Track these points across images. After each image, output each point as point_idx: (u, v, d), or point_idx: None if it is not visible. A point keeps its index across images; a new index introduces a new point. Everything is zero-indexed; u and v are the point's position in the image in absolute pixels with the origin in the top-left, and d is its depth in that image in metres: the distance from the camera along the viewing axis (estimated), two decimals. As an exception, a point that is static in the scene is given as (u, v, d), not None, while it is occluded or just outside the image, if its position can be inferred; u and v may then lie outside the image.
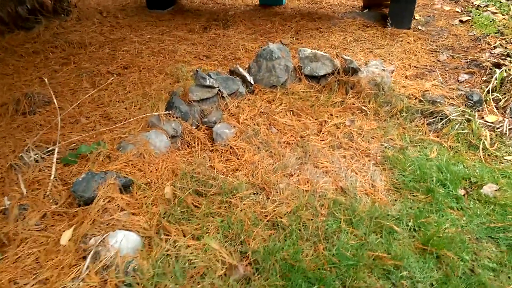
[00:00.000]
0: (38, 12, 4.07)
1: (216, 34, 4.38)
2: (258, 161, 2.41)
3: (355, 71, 3.01)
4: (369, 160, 2.46)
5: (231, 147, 2.51)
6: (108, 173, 2.14)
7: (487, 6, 4.28)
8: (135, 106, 3.02)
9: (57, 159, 2.39)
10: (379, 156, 2.48)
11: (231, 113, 2.82)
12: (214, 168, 2.34)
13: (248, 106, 2.89)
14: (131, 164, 2.25)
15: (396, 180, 2.29)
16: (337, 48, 3.87)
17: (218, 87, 2.82)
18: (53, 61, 3.76)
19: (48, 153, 2.45)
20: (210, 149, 2.55)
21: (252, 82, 3.03)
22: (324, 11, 4.83)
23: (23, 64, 3.70)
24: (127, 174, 2.18)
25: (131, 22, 4.74)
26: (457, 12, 4.38)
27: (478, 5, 4.31)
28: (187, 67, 3.61)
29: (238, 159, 2.44)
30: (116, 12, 5.01)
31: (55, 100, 2.73)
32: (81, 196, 2.03)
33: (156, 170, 2.23)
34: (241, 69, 3.03)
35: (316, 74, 3.12)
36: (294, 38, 4.19)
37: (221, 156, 2.47)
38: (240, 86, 2.95)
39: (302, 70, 3.16)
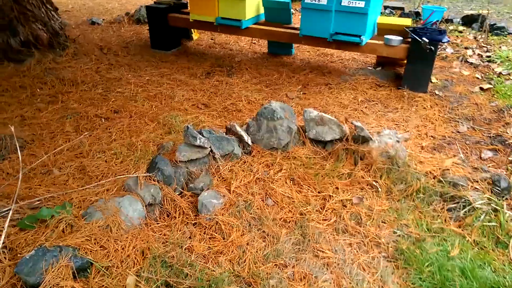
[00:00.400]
0: (32, 45, 3.85)
1: (219, 81, 4.12)
2: (248, 243, 2.03)
3: (365, 140, 2.69)
4: (379, 252, 2.07)
5: (217, 222, 2.14)
6: (63, 250, 1.76)
7: (509, 74, 4.02)
8: (117, 159, 2.68)
9: (13, 220, 2.03)
10: (391, 247, 2.10)
11: (223, 178, 2.47)
12: (193, 251, 1.96)
13: (243, 171, 2.54)
14: (94, 239, 1.87)
15: (412, 284, 1.89)
16: (347, 108, 3.57)
17: (210, 147, 2.49)
18: (39, 98, 3.48)
19: (2, 213, 2.09)
20: (193, 222, 2.17)
21: (249, 143, 2.71)
22: (335, 66, 4.60)
23: (7, 99, 3.42)
24: (86, 252, 1.80)
25: (131, 61, 4.51)
26: (477, 78, 4.12)
27: (500, 73, 4.05)
28: (183, 117, 3.31)
29: (224, 238, 2.07)
30: (117, 49, 4.81)
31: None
32: (25, 280, 1.65)
33: (122, 249, 1.85)
34: (238, 128, 2.71)
35: (322, 139, 2.80)
36: (301, 93, 3.91)
37: (204, 233, 2.09)
38: (236, 147, 2.62)
39: (306, 133, 2.84)
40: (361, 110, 3.57)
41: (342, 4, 3.77)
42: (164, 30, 4.75)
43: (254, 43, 5.40)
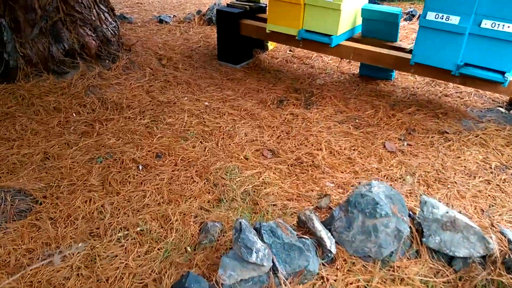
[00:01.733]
0: (77, 55, 3.24)
1: (293, 115, 3.20)
2: None
3: (531, 275, 1.61)
4: None
5: None
6: None
7: None
8: (141, 245, 1.91)
9: None
10: None
11: (286, 317, 1.57)
12: None
13: (319, 301, 1.63)
14: None
15: None
16: (474, 178, 2.46)
17: (272, 262, 1.60)
18: (72, 127, 2.84)
19: None
20: None
21: (333, 250, 1.77)
22: (452, 102, 3.42)
23: (35, 125, 2.82)
24: None
25: (191, 77, 3.75)
26: None
27: None
28: (241, 173, 2.46)
29: None
30: (178, 59, 4.07)
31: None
32: None
33: None
34: (317, 224, 1.79)
35: (450, 253, 1.78)
36: (405, 143, 2.85)
37: None
38: (311, 261, 1.70)
39: (424, 238, 1.83)
40: (498, 185, 2.44)
41: (482, 26, 2.61)
42: (235, 39, 3.91)
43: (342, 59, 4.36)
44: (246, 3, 3.97)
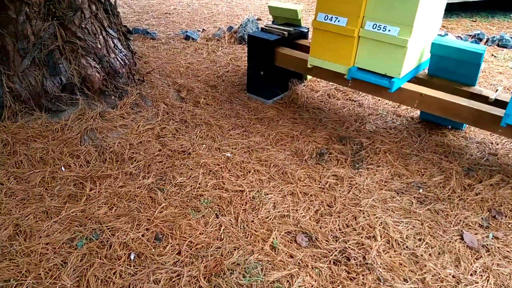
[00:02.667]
0: (77, 90, 2.67)
1: (336, 178, 2.50)
2: None
3: None
4: None
5: None
6: None
7: None
8: None
9: None
10: None
11: None
12: None
13: None
14: None
15: None
16: None
17: None
18: (57, 188, 2.27)
19: None
20: None
21: None
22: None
23: (12, 183, 2.27)
24: None
25: (213, 115, 3.12)
26: None
27: None
28: (263, 275, 1.79)
29: None
30: (200, 90, 3.46)
31: None
32: None
33: None
34: None
35: None
36: (490, 234, 2.09)
37: None
38: None
39: None
40: None
41: None
42: (268, 70, 3.25)
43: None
44: (285, 28, 3.29)
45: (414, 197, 2.35)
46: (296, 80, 3.71)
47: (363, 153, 2.75)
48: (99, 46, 2.69)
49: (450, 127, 3.02)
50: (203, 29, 5.39)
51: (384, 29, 2.49)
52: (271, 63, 3.23)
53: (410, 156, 2.72)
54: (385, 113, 3.31)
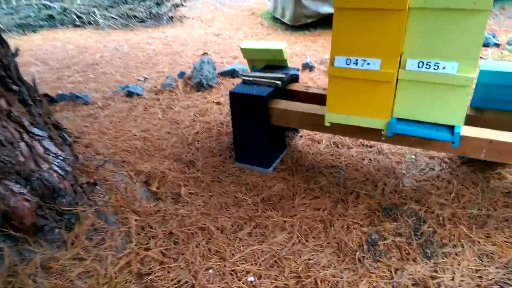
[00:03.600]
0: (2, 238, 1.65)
1: (416, 282, 1.75)
2: None
3: None
4: None
5: None
6: None
7: None
8: None
9: None
10: None
11: None
12: None
13: None
14: None
15: None
16: None
17: None
18: None
19: None
20: None
21: None
22: None
23: None
24: None
25: (207, 214, 2.25)
26: None
27: None
28: None
29: None
30: (176, 175, 2.56)
31: None
32: None
33: None
34: None
35: None
36: None
37: None
38: None
39: None
40: None
41: None
42: (261, 131, 2.45)
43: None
44: (274, 75, 2.52)
45: (530, 290, 1.68)
46: (292, 133, 2.94)
47: (426, 228, 2.04)
48: (22, 159, 1.71)
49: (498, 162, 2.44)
50: (145, 78, 4.45)
51: (436, 67, 1.81)
52: (265, 123, 2.43)
53: (483, 218, 2.07)
54: (413, 156, 2.65)
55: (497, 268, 1.80)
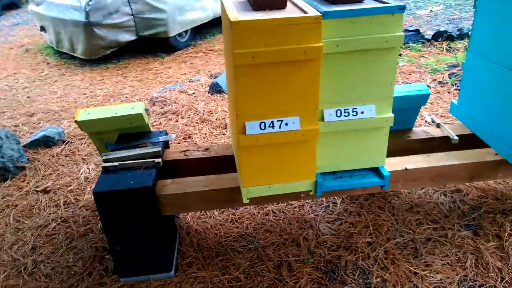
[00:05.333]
0: None
1: None
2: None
3: None
4: None
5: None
6: None
7: None
8: None
9: None
10: None
11: None
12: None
13: None
14: None
15: None
16: None
17: None
18: None
19: None
20: None
21: None
22: None
23: None
24: None
25: None
26: None
27: None
28: None
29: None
30: None
31: None
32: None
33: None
34: None
35: None
36: None
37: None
38: None
39: None
40: None
41: None
42: (152, 230, 1.82)
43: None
44: (146, 152, 1.89)
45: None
46: (173, 209, 2.34)
47: (375, 280, 1.88)
48: None
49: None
50: None
51: (354, 113, 1.62)
52: (155, 218, 1.80)
53: (411, 245, 2.05)
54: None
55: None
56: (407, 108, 2.11)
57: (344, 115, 1.63)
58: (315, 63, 1.46)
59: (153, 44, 6.02)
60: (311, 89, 1.51)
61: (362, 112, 1.63)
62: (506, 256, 1.91)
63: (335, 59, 1.52)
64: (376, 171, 1.77)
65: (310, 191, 1.74)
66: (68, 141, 3.25)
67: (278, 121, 1.55)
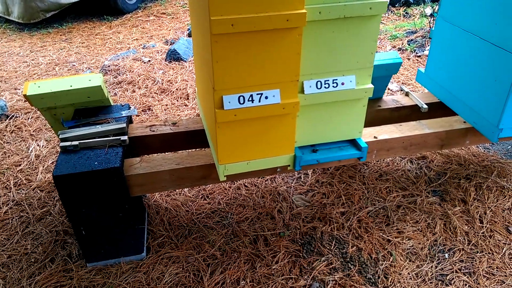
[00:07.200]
0: None
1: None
2: None
3: None
4: None
5: None
6: None
7: None
8: None
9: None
10: None
11: None
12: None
13: None
14: None
15: None
16: None
17: None
18: None
19: None
20: None
21: None
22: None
23: None
24: None
25: None
26: None
27: None
28: None
29: None
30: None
31: None
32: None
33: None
34: None
35: None
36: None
37: None
38: None
39: None
40: None
41: None
42: (120, 212, 1.70)
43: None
44: (109, 129, 1.73)
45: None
46: (140, 187, 2.20)
47: (351, 249, 1.90)
48: None
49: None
50: None
51: (334, 85, 1.56)
52: (123, 200, 1.68)
53: (382, 213, 2.09)
54: (280, 166, 2.44)
55: (425, 261, 1.84)
56: (380, 77, 2.09)
57: (325, 87, 1.56)
58: (297, 32, 1.36)
59: (98, 6, 5.55)
60: (292, 60, 1.42)
61: (343, 83, 1.57)
62: (471, 220, 2.01)
63: (317, 27, 1.43)
64: (353, 143, 1.74)
65: (289, 165, 1.68)
66: (13, 116, 2.94)
67: (257, 94, 1.45)
